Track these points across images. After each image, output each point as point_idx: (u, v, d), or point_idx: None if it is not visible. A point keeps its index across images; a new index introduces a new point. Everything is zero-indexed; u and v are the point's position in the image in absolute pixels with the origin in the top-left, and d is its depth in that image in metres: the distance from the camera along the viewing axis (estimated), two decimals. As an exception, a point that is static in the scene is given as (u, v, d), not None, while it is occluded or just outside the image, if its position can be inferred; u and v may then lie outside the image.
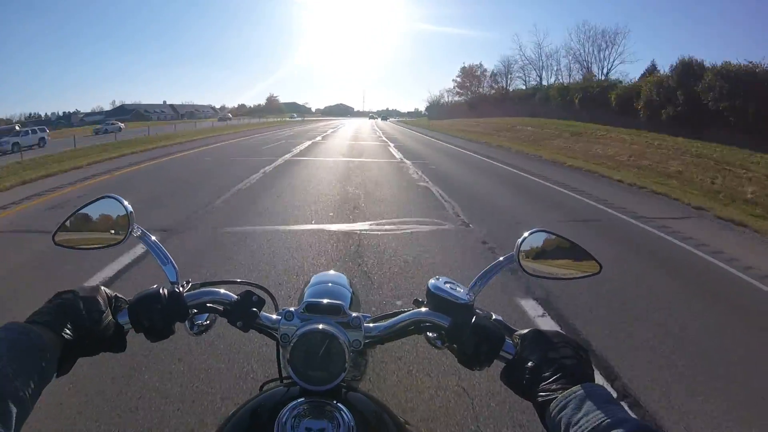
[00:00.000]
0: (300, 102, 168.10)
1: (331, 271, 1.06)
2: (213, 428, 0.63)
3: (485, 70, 52.68)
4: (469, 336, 0.59)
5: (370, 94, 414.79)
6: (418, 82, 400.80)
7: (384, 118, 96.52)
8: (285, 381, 0.70)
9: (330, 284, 0.97)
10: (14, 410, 0.41)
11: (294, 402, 0.58)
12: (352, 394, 0.65)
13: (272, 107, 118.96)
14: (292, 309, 0.63)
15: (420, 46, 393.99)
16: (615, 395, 0.82)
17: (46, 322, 0.51)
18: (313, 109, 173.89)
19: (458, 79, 56.56)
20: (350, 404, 0.60)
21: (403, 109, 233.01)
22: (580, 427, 0.44)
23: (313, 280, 1.00)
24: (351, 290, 0.99)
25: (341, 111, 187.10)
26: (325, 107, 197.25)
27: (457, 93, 58.36)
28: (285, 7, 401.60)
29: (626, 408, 0.55)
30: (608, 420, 0.43)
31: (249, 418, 0.61)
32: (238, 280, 0.74)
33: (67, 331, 0.52)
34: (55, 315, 0.52)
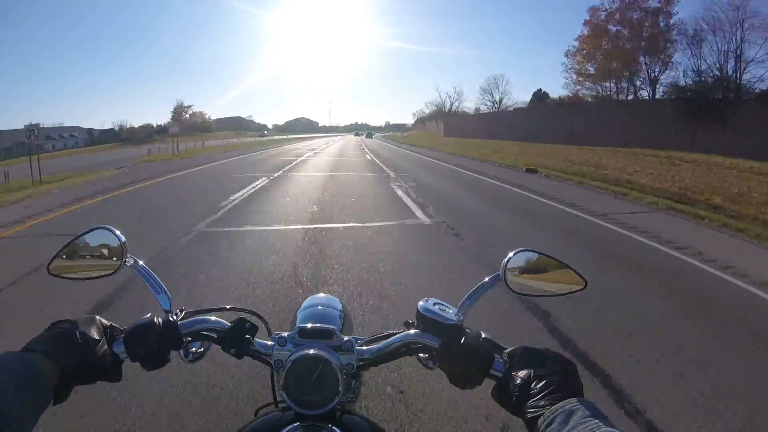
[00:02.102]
0: (244, 116, 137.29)
1: (322, 294, 1.10)
2: None
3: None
4: (458, 356, 0.63)
5: (337, 108, 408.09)
6: (386, 98, 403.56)
7: (368, 135, 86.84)
8: (280, 406, 0.73)
9: (322, 307, 1.00)
10: None
11: (289, 427, 0.62)
12: (347, 416, 0.68)
13: (200, 125, 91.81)
14: (285, 334, 0.67)
15: (387, 61, 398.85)
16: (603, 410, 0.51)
17: (42, 350, 0.54)
18: (270, 126, 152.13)
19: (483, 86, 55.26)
20: (346, 427, 0.64)
21: (373, 124, 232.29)
22: None
23: (305, 303, 1.03)
24: (343, 313, 1.01)
25: (303, 126, 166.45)
26: (285, 123, 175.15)
27: (484, 104, 55.45)
28: (244, 19, 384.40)
29: (611, 421, 0.47)
30: None
31: None
32: (229, 307, 0.76)
33: (64, 360, 0.54)
34: (52, 343, 0.55)
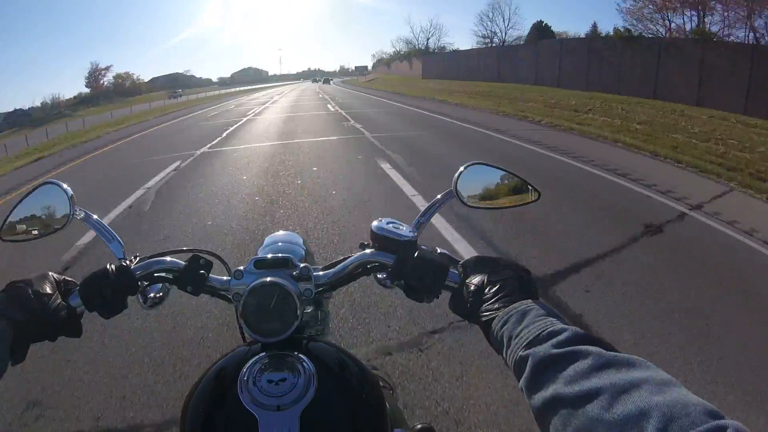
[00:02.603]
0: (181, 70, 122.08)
1: (282, 232, 1.09)
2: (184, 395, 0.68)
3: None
4: (413, 270, 0.64)
5: (288, 56, 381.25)
6: (339, 42, 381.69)
7: (325, 81, 79.35)
8: (248, 341, 0.74)
9: (282, 243, 1.01)
10: None
11: (255, 357, 0.63)
12: (313, 344, 0.69)
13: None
14: (241, 268, 0.67)
15: (337, 8, 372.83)
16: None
17: None
18: (215, 79, 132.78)
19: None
20: (311, 353, 0.64)
21: (327, 69, 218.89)
22: (521, 338, 0.47)
23: (266, 241, 1.04)
24: (305, 248, 1.02)
25: (252, 77, 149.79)
26: (231, 75, 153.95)
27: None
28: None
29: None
30: (548, 329, 0.46)
31: (214, 379, 0.65)
32: (186, 249, 0.74)
33: (15, 316, 0.55)
34: (3, 303, 0.56)
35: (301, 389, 0.57)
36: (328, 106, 18.67)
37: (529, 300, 0.53)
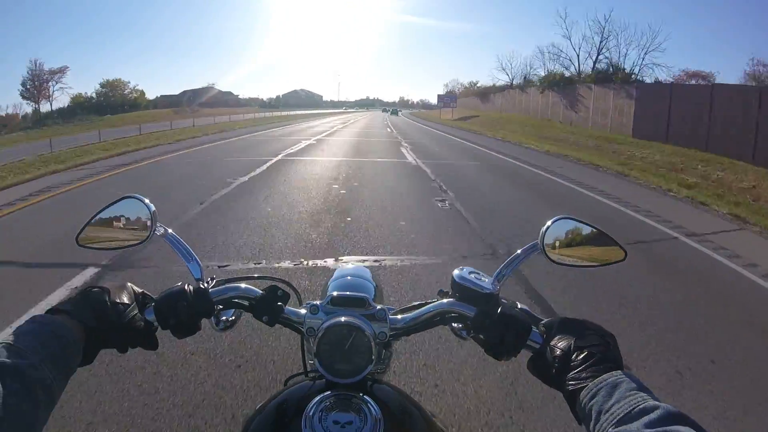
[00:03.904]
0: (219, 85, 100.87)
1: (352, 265, 1.44)
2: (240, 423, 0.69)
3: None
4: (495, 325, 0.64)
5: (345, 82, 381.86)
6: (398, 74, 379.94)
7: (393, 113, 78.18)
8: (310, 375, 0.77)
9: (353, 278, 1.04)
10: (43, 398, 0.46)
11: (321, 395, 0.64)
12: (378, 386, 0.70)
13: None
14: (317, 302, 0.69)
15: (400, 36, 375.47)
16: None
17: (69, 311, 0.57)
18: (265, 99, 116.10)
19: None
20: (376, 397, 0.65)
21: (386, 99, 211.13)
22: (612, 414, 0.47)
23: (336, 273, 1.07)
24: (374, 283, 1.05)
25: (302, 100, 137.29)
26: (276, 96, 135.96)
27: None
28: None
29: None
30: (640, 406, 0.46)
31: (275, 412, 0.67)
32: (259, 276, 0.79)
33: (90, 322, 0.57)
34: (79, 306, 0.59)
35: None
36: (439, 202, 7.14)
37: (619, 371, 0.53)
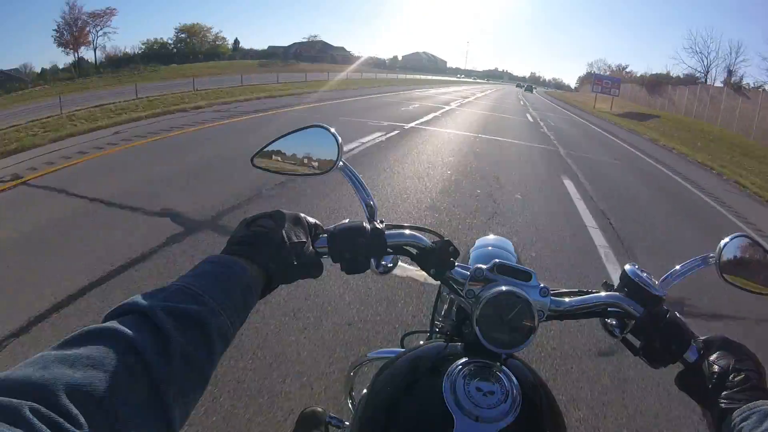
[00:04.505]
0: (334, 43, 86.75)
1: (493, 236, 1.12)
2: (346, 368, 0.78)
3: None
4: (661, 330, 0.63)
5: (474, 50, 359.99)
6: (531, 47, 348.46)
7: (528, 89, 72.39)
8: (435, 337, 0.88)
9: (495, 248, 1.02)
10: (219, 347, 0.45)
11: (463, 360, 0.65)
12: (512, 361, 0.69)
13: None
14: (482, 266, 0.67)
15: (536, 10, 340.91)
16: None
17: (250, 254, 0.55)
18: (385, 58, 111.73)
19: None
20: (515, 372, 0.65)
21: (515, 73, 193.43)
22: None
23: (478, 242, 1.07)
24: (516, 255, 1.05)
25: (424, 65, 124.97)
26: (393, 57, 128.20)
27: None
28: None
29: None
30: None
31: (411, 367, 0.70)
32: (424, 228, 0.74)
33: (271, 268, 0.56)
34: (259, 247, 0.56)
35: (506, 408, 0.59)
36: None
37: None
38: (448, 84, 49.60)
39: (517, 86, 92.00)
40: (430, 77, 66.63)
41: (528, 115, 19.33)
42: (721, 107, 24.25)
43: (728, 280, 0.71)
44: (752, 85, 24.21)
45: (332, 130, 0.72)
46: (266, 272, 0.55)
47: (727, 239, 0.70)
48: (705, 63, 33.54)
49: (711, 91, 26.58)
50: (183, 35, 58.23)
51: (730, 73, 29.99)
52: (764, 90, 21.80)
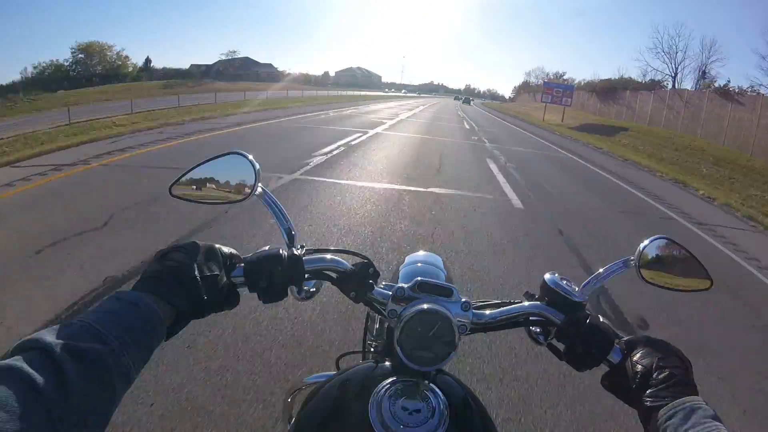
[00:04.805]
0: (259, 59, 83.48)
1: (422, 252, 1.12)
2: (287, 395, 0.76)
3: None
4: (583, 335, 0.64)
5: (408, 65, 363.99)
6: (464, 62, 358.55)
7: (465, 101, 72.65)
8: (370, 357, 0.85)
9: (425, 265, 1.02)
10: (120, 386, 0.44)
11: (390, 380, 0.65)
12: (441, 377, 0.70)
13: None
14: (404, 285, 0.68)
15: (471, 17, 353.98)
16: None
17: (158, 291, 0.54)
18: (317, 74, 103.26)
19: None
20: (441, 387, 0.66)
21: (450, 86, 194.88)
22: None
23: (407, 259, 1.07)
24: (446, 271, 1.05)
25: (359, 80, 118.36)
26: (336, 72, 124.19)
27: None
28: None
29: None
30: None
31: (339, 391, 0.69)
32: (345, 250, 0.76)
33: (181, 304, 0.55)
34: (168, 283, 0.55)
35: (434, 425, 0.60)
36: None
37: (698, 397, 0.54)
38: (378, 100, 44.82)
39: (455, 99, 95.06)
40: (362, 93, 62.36)
41: (473, 137, 15.50)
42: (702, 116, 20.66)
43: (648, 281, 0.74)
44: (743, 88, 20.28)
45: (250, 156, 0.72)
46: (176, 308, 0.54)
47: (646, 241, 0.73)
48: (671, 65, 31.09)
49: (687, 96, 23.10)
50: (81, 56, 51.45)
51: (703, 74, 27.76)
52: (762, 94, 18.46)
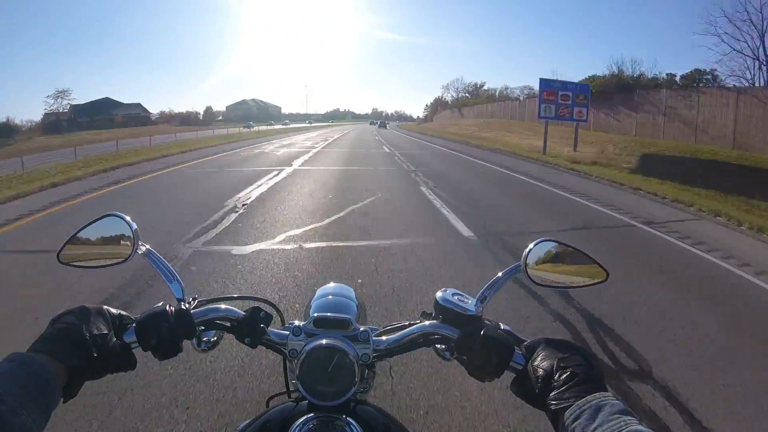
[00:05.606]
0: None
1: (333, 284, 1.12)
2: None
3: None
4: (478, 347, 0.64)
5: (312, 93, 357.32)
6: (370, 85, 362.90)
7: (381, 125, 73.82)
8: (293, 395, 0.79)
9: (336, 297, 1.03)
10: None
11: (304, 418, 0.65)
12: (360, 407, 0.71)
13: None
14: (299, 324, 0.70)
15: (370, 49, 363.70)
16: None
17: (49, 351, 0.54)
18: (198, 111, 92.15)
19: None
20: (359, 418, 0.67)
21: (357, 111, 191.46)
22: None
23: (318, 292, 1.06)
24: (357, 302, 1.05)
25: (253, 114, 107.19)
26: (227, 106, 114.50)
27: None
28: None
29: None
30: (624, 430, 0.47)
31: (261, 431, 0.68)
32: (241, 296, 0.78)
33: (71, 360, 0.55)
34: (59, 343, 0.56)
35: None
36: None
37: (603, 393, 0.53)
38: (272, 136, 35.07)
39: (370, 123, 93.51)
40: (249, 129, 52.36)
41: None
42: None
43: (538, 282, 0.74)
44: None
45: (127, 218, 0.73)
46: (69, 367, 0.55)
47: (531, 245, 0.73)
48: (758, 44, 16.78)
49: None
50: None
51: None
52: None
